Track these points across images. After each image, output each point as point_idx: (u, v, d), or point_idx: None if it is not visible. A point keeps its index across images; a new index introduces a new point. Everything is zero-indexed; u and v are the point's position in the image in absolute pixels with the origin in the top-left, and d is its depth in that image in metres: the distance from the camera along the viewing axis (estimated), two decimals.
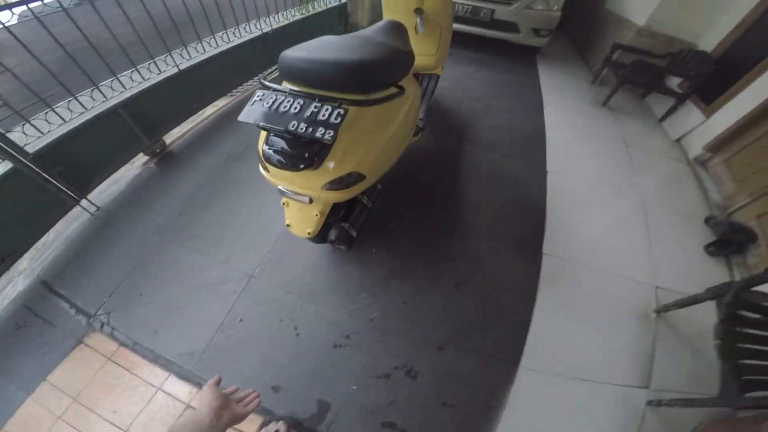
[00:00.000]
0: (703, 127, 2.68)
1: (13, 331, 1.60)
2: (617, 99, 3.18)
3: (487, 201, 2.21)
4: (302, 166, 1.20)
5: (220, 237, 1.99)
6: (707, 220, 2.18)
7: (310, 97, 1.14)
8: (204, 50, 2.70)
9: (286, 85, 1.24)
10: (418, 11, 2.02)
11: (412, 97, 1.59)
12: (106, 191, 2.31)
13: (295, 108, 1.12)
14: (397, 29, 1.71)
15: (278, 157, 1.23)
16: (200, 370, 1.52)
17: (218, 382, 0.79)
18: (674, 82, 3.03)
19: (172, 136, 2.79)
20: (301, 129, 1.08)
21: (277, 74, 1.32)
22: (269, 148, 1.25)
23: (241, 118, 1.15)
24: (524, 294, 1.80)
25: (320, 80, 1.18)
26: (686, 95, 2.85)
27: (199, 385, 1.49)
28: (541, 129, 2.81)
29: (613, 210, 2.25)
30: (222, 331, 1.64)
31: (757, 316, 1.28)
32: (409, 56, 1.53)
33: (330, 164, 1.25)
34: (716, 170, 2.46)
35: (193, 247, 1.94)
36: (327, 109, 1.10)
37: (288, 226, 1.53)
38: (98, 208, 2.20)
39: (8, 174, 1.73)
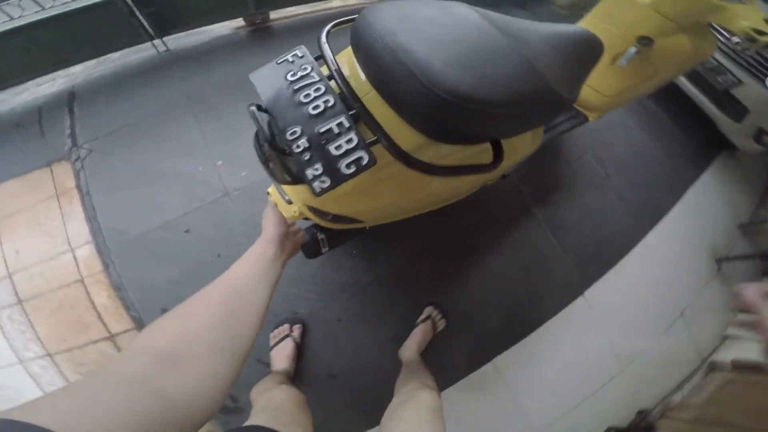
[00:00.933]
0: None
1: (11, 128, 1.66)
2: (738, 263, 2.12)
3: (500, 281, 1.70)
4: (289, 180, 0.81)
5: (233, 136, 1.78)
6: (640, 413, 1.76)
7: (347, 103, 0.69)
8: None
9: (343, 58, 0.80)
10: (643, 41, 1.29)
11: (504, 166, 1.04)
12: (186, 36, 2.23)
13: (317, 107, 0.68)
14: (589, 51, 1.03)
15: (265, 150, 0.84)
16: (118, 255, 1.43)
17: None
18: None
19: (281, 14, 2.56)
20: (297, 147, 0.65)
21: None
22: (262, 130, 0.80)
23: (252, 75, 0.76)
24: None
25: (384, 83, 0.71)
26: None
27: (107, 266, 1.41)
28: (631, 244, 1.96)
29: (588, 367, 1.73)
30: (164, 229, 1.51)
31: None
32: (562, 107, 0.90)
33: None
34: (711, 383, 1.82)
35: (203, 129, 1.78)
36: (350, 141, 0.65)
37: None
38: (167, 50, 2.14)
39: (100, 3, 1.71)
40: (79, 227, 1.44)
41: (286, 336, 1.43)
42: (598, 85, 1.48)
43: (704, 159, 2.40)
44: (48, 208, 1.45)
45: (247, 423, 0.81)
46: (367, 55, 0.72)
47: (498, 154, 0.82)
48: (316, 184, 0.63)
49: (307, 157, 0.64)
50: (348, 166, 0.63)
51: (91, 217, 1.47)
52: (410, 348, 1.44)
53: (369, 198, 0.86)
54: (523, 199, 1.86)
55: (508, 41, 0.75)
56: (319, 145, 0.64)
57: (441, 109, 0.65)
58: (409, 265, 1.64)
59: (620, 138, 2.26)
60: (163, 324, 0.43)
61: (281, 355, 1.39)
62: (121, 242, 1.46)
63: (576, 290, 1.77)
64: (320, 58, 0.74)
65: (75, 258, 1.38)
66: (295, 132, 0.65)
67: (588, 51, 1.01)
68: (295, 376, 1.42)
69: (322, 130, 0.65)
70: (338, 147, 0.64)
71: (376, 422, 1.41)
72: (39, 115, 1.70)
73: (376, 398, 1.45)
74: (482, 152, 0.86)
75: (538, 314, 1.70)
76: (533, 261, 1.77)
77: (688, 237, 2.09)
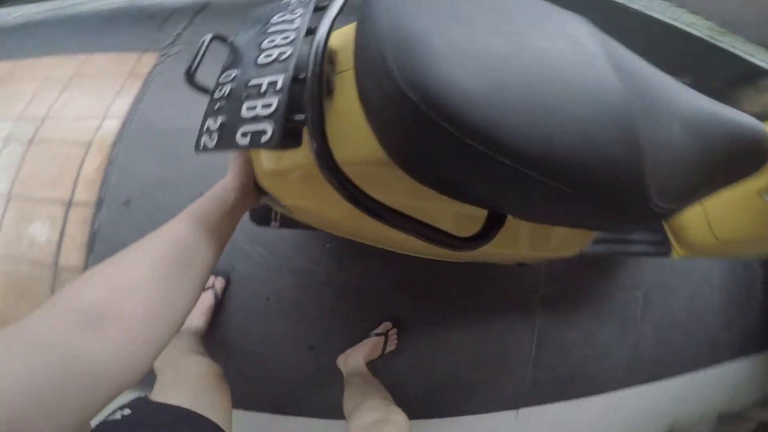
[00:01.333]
0: None
1: (144, 17, 1.87)
2: None
3: (450, 355, 1.44)
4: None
5: None
6: None
7: (318, 67, 0.42)
8: None
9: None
10: None
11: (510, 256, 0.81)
12: None
13: (270, 56, 0.49)
14: (746, 157, 0.63)
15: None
16: (132, 136, 1.48)
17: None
18: None
19: None
20: (218, 92, 0.50)
21: None
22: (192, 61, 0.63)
23: (253, 12, 0.61)
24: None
25: (357, 58, 0.44)
26: None
27: (116, 143, 1.45)
28: (605, 389, 1.59)
29: None
30: (183, 133, 1.47)
31: None
32: (640, 218, 0.49)
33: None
34: None
35: None
36: (267, 107, 0.43)
37: None
38: None
39: None
40: (122, 103, 1.54)
41: (208, 287, 1.21)
42: (715, 216, 1.02)
43: (756, 346, 1.88)
44: (115, 81, 1.59)
45: (162, 399, 0.65)
46: (358, 15, 0.45)
47: (489, 230, 0.47)
48: (203, 138, 0.49)
49: (217, 106, 0.49)
50: (244, 134, 0.44)
51: (138, 100, 1.55)
52: (355, 356, 1.25)
53: (300, 192, 0.60)
54: (534, 298, 1.48)
55: (623, 92, 0.41)
56: (238, 98, 0.47)
57: (407, 118, 0.34)
58: (374, 288, 1.36)
59: (688, 290, 1.69)
60: (95, 276, 0.37)
61: (197, 308, 1.17)
62: (143, 129, 1.51)
63: (513, 403, 1.51)
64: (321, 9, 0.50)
65: (100, 126, 1.46)
66: (228, 75, 0.51)
67: (745, 156, 0.62)
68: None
69: (252, 83, 0.47)
70: (251, 108, 0.45)
71: None
72: (169, 14, 1.91)
73: (252, 388, 1.31)
74: (466, 216, 0.53)
75: (463, 405, 1.48)
76: (495, 355, 1.46)
77: (665, 403, 1.76)
